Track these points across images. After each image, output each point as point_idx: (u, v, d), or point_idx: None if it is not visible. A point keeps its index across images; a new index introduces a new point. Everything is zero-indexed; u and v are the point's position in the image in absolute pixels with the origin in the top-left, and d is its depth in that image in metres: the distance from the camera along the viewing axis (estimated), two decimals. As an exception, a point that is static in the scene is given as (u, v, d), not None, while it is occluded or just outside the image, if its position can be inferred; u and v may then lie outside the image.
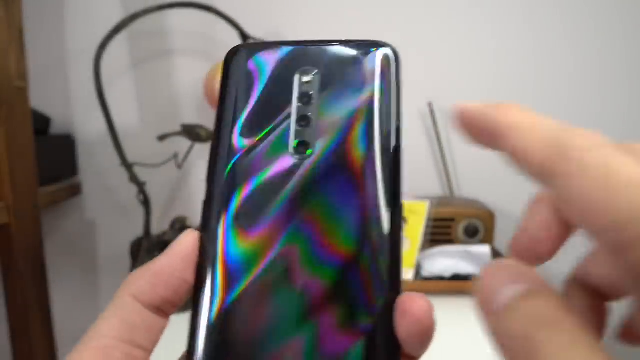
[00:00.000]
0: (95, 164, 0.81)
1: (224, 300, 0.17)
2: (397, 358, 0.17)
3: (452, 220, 0.69)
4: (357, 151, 0.19)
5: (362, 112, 0.20)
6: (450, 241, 0.69)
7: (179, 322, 0.19)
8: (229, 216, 0.19)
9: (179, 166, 0.72)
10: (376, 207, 0.18)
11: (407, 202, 0.67)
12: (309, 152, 0.19)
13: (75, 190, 0.80)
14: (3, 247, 0.59)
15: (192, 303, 0.18)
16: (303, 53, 0.21)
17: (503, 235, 0.78)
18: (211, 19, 0.73)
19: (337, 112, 0.20)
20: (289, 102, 0.20)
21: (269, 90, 0.20)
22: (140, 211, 0.74)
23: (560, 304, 0.13)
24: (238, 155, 0.19)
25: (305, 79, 0.20)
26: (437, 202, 0.71)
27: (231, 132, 0.20)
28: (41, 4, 0.76)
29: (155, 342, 0.17)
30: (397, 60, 0.21)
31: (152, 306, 0.17)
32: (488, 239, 0.69)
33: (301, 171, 0.19)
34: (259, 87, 0.20)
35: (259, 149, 0.19)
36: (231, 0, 0.74)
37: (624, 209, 0.11)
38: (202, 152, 0.80)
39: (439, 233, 0.69)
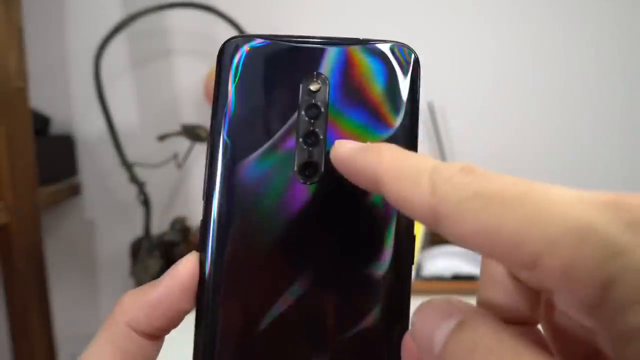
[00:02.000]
0: (95, 164, 0.81)
1: (228, 330, 0.17)
2: None
3: (452, 220, 0.69)
4: None
5: (378, 129, 0.17)
6: (450, 241, 0.69)
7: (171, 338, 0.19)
8: (232, 240, 0.17)
9: (179, 166, 0.72)
10: (388, 238, 0.17)
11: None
12: (316, 174, 0.17)
13: (75, 190, 0.80)
14: (3, 247, 0.59)
15: (196, 333, 0.17)
16: (310, 53, 0.18)
17: (503, 235, 0.78)
18: (211, 19, 0.73)
19: (348, 127, 0.17)
20: (293, 112, 0.17)
21: (271, 96, 0.18)
22: (140, 211, 0.74)
23: (497, 327, 0.12)
24: (238, 172, 0.17)
25: (313, 87, 0.17)
26: (437, 202, 0.71)
27: (227, 145, 0.17)
28: (41, 4, 0.76)
29: None
30: (415, 61, 0.18)
31: (147, 335, 0.17)
32: (488, 239, 0.69)
33: (308, 196, 0.17)
34: (259, 91, 0.18)
35: (260, 166, 0.17)
36: (231, 0, 0.74)
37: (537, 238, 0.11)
38: (202, 152, 0.80)
39: (439, 239, 0.69)
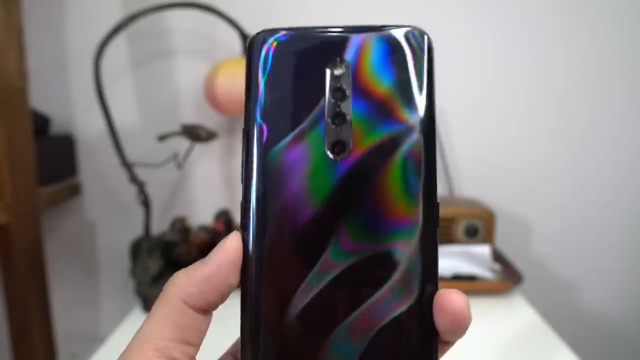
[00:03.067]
0: (95, 164, 0.81)
1: (273, 301, 0.18)
2: (435, 344, 0.18)
3: (452, 220, 0.69)
4: (396, 150, 0.18)
5: (397, 106, 0.19)
6: (450, 241, 0.69)
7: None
8: (271, 217, 0.18)
9: (179, 166, 0.72)
10: (415, 205, 0.18)
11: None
12: (345, 151, 0.18)
13: (75, 190, 0.80)
14: (3, 247, 0.59)
15: (243, 307, 0.19)
16: (333, 41, 0.19)
17: (503, 235, 0.78)
18: (211, 19, 0.73)
19: (371, 107, 0.19)
20: (320, 96, 0.19)
21: (299, 83, 0.19)
22: (140, 211, 0.74)
23: None
24: (273, 155, 0.19)
25: (337, 72, 0.19)
26: (437, 202, 0.71)
27: (262, 130, 0.19)
28: (41, 4, 0.76)
29: (203, 337, 0.19)
30: (429, 45, 0.19)
31: (200, 309, 0.18)
32: (488, 239, 0.69)
33: (339, 172, 0.18)
34: (287, 79, 0.19)
35: (293, 148, 0.19)
36: (231, 0, 0.74)
37: None
38: (202, 152, 0.80)
39: (439, 233, 0.69)
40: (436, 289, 0.18)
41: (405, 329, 0.18)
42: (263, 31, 0.20)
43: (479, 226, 0.69)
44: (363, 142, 0.18)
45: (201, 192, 0.82)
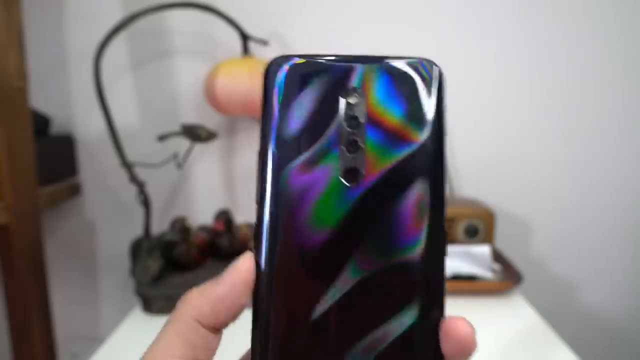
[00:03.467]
0: (95, 164, 0.81)
1: (283, 321, 0.19)
2: None
3: (452, 220, 0.69)
4: (407, 177, 0.19)
5: (409, 136, 0.19)
6: (450, 241, 0.69)
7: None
8: (283, 239, 0.19)
9: (179, 166, 0.72)
10: (424, 234, 0.19)
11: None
12: (358, 178, 0.19)
13: (75, 190, 0.80)
14: (3, 247, 0.59)
15: (254, 326, 0.19)
16: (347, 70, 0.20)
17: (503, 235, 0.78)
18: (211, 19, 0.73)
19: (384, 136, 0.19)
20: (335, 124, 0.19)
21: (313, 110, 0.20)
22: (140, 211, 0.74)
23: None
24: (288, 178, 0.19)
25: (352, 100, 0.19)
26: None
27: (277, 154, 0.19)
28: (41, 4, 0.76)
29: (213, 355, 0.19)
30: (440, 76, 0.20)
31: (211, 328, 0.19)
32: (488, 239, 0.69)
33: (351, 197, 0.19)
34: (303, 105, 0.20)
35: (307, 173, 0.19)
36: (231, 0, 0.74)
37: None
38: (202, 152, 0.80)
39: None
40: (443, 313, 0.19)
41: (412, 352, 0.18)
42: (279, 57, 0.20)
43: (479, 226, 0.69)
44: (376, 168, 0.19)
45: (201, 192, 0.82)
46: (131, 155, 0.70)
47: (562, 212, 0.81)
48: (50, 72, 0.79)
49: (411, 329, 0.18)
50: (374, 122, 0.19)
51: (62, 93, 0.79)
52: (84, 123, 0.80)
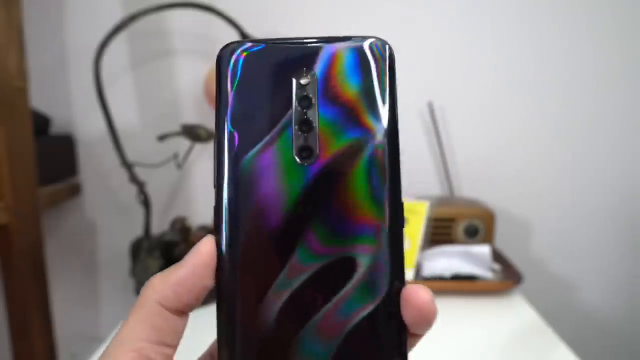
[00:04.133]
0: (95, 164, 0.81)
1: (246, 302, 0.19)
2: (404, 336, 0.19)
3: (452, 220, 0.69)
4: (361, 154, 0.19)
5: (361, 113, 0.20)
6: (450, 241, 0.69)
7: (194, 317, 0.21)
8: (242, 221, 0.19)
9: (179, 166, 0.72)
10: (380, 206, 0.19)
11: (407, 202, 0.67)
12: (312, 156, 0.19)
13: (75, 190, 0.80)
14: (3, 247, 0.59)
15: (218, 308, 0.19)
16: (298, 52, 0.20)
17: (503, 235, 0.78)
18: (211, 19, 0.73)
19: (336, 114, 0.20)
20: (288, 105, 0.20)
21: (267, 92, 0.20)
22: (140, 211, 0.74)
23: None
24: (244, 161, 0.20)
25: (303, 81, 0.20)
26: (437, 202, 0.71)
27: (232, 137, 0.20)
28: (41, 4, 0.76)
29: (180, 338, 0.19)
30: (390, 54, 0.20)
31: (176, 311, 0.19)
32: (488, 239, 0.69)
33: (306, 176, 0.19)
34: (256, 89, 0.20)
35: (262, 154, 0.19)
36: (231, 0, 0.74)
37: None
38: (202, 152, 0.80)
39: (439, 233, 0.69)
40: (403, 285, 0.19)
41: (376, 323, 0.19)
42: (231, 43, 0.21)
43: (479, 226, 0.69)
44: (329, 147, 0.19)
45: (201, 192, 0.82)
46: (131, 155, 0.70)
47: (562, 212, 0.81)
48: (50, 72, 0.79)
49: (373, 302, 0.19)
50: (327, 102, 0.20)
51: (62, 93, 0.79)
52: (84, 123, 0.80)
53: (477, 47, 0.77)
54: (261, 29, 0.75)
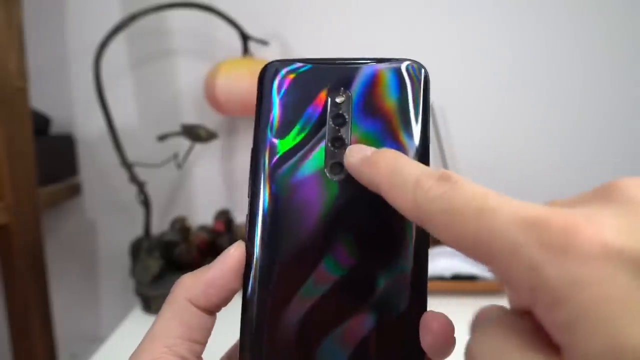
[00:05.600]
0: (95, 164, 0.81)
1: (270, 307, 0.19)
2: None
3: (452, 220, 0.69)
4: None
5: (394, 131, 0.20)
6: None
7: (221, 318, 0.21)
8: (272, 230, 0.20)
9: (179, 166, 0.72)
10: (407, 225, 0.20)
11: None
12: (343, 172, 0.20)
13: (75, 190, 0.80)
14: (3, 247, 0.59)
15: (243, 310, 0.20)
16: (335, 72, 0.21)
17: (503, 235, 0.78)
18: (211, 19, 0.73)
19: (369, 133, 0.20)
20: (323, 122, 0.21)
21: (305, 109, 0.21)
22: (140, 211, 0.74)
23: (508, 333, 0.15)
24: (279, 173, 0.20)
25: (338, 99, 0.21)
26: (437, 202, 0.71)
27: (270, 151, 0.21)
28: (41, 4, 0.76)
29: (208, 336, 0.20)
30: (426, 77, 0.21)
31: (204, 309, 0.20)
32: (488, 239, 0.69)
33: (336, 191, 0.20)
34: (293, 106, 0.21)
35: (296, 168, 0.20)
36: (231, 0, 0.74)
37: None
38: (202, 152, 0.80)
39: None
40: (424, 309, 0.19)
41: (393, 344, 0.19)
42: (274, 61, 0.22)
43: (479, 226, 0.69)
44: None
45: (201, 192, 0.82)
46: (131, 155, 0.70)
47: (562, 212, 0.80)
48: (50, 72, 0.79)
49: (392, 322, 0.19)
50: (360, 120, 0.20)
51: (62, 93, 0.79)
52: (84, 123, 0.80)
53: (477, 47, 0.77)
54: (262, 29, 0.75)
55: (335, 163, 0.20)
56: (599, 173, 0.80)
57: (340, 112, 0.21)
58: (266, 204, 0.20)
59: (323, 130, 0.21)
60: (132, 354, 0.19)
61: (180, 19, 0.76)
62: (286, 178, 0.20)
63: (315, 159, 0.20)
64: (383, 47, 0.76)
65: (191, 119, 0.78)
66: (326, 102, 0.21)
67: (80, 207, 0.82)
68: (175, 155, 0.72)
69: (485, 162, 0.80)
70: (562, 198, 0.17)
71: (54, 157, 0.75)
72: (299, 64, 0.21)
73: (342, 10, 0.77)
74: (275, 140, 0.21)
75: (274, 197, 0.20)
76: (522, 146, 0.80)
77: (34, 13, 0.76)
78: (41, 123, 0.74)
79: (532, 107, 0.79)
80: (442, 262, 0.62)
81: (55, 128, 0.79)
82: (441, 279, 0.61)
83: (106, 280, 0.85)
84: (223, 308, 0.21)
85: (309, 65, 0.21)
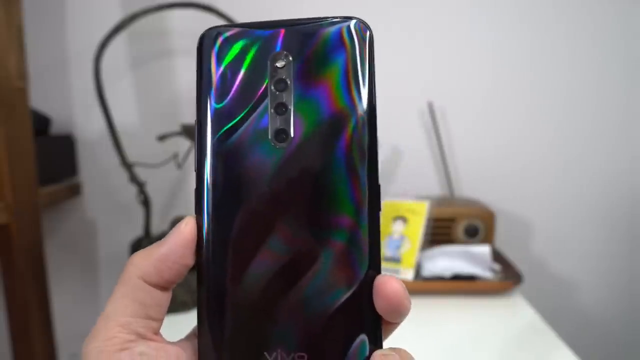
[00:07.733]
0: (95, 164, 0.81)
1: (225, 277, 0.19)
2: (378, 323, 0.19)
3: (452, 220, 0.69)
4: (336, 137, 0.19)
5: (339, 94, 0.19)
6: (450, 241, 0.69)
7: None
8: (222, 202, 0.19)
9: (179, 166, 0.72)
10: (355, 189, 0.19)
11: (407, 202, 0.67)
12: (287, 138, 0.19)
13: (75, 190, 0.80)
14: (3, 247, 0.59)
15: (198, 284, 0.20)
16: (275, 35, 0.20)
17: (503, 235, 0.78)
18: (211, 19, 0.73)
19: (312, 96, 0.20)
20: (264, 88, 0.20)
21: (244, 76, 0.20)
22: (140, 211, 0.74)
23: None
24: (222, 143, 0.20)
25: (279, 64, 0.20)
26: (437, 202, 0.71)
27: (212, 120, 0.20)
28: (41, 4, 0.77)
29: (164, 312, 0.20)
30: (370, 36, 0.20)
31: (158, 286, 0.19)
32: (488, 239, 0.69)
33: (282, 157, 0.19)
34: (234, 73, 0.20)
35: (241, 136, 0.20)
36: (231, 0, 0.74)
37: None
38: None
39: (439, 233, 0.69)
40: (378, 272, 0.19)
41: (350, 309, 0.19)
42: (212, 28, 0.21)
43: (479, 226, 0.69)
44: (304, 129, 0.19)
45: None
46: (131, 155, 0.70)
47: (562, 212, 0.81)
48: (50, 72, 0.79)
49: (348, 285, 0.19)
50: (303, 84, 0.20)
51: (62, 93, 0.79)
52: (84, 123, 0.80)
53: (477, 47, 0.77)
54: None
55: (280, 129, 0.19)
56: (600, 172, 0.80)
57: (282, 77, 0.20)
58: (213, 175, 0.20)
59: (264, 96, 0.20)
60: (87, 338, 0.19)
61: (180, 19, 0.76)
62: (231, 147, 0.20)
63: (259, 126, 0.20)
64: (383, 47, 0.76)
65: (191, 119, 0.78)
66: (267, 67, 0.20)
67: (80, 207, 0.82)
68: (175, 155, 0.72)
69: (485, 162, 0.80)
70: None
71: (54, 157, 0.75)
72: (239, 29, 0.20)
73: (342, 10, 0.77)
74: (218, 109, 0.20)
75: (220, 168, 0.20)
76: (522, 145, 0.80)
77: (34, 13, 0.76)
78: (41, 123, 0.74)
79: (533, 107, 0.79)
80: (442, 262, 0.62)
81: (55, 128, 0.79)
82: (441, 279, 0.61)
83: (106, 280, 0.85)
84: None
85: (250, 30, 0.20)
